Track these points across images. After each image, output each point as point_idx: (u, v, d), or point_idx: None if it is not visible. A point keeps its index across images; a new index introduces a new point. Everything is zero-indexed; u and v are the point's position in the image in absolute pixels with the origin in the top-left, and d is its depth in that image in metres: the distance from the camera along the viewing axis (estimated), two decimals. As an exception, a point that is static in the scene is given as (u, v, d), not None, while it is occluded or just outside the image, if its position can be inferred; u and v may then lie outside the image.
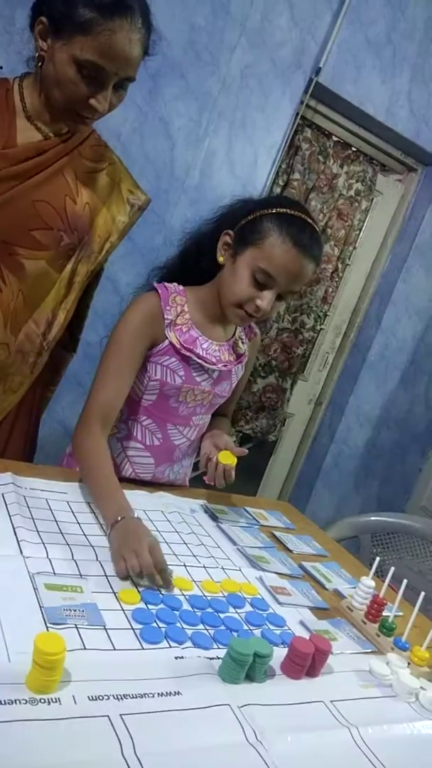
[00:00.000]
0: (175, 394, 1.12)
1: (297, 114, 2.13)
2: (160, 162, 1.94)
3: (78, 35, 0.93)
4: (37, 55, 0.99)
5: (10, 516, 0.85)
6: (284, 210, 1.04)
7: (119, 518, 0.88)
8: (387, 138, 2.41)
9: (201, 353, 1.11)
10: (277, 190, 2.28)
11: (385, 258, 2.68)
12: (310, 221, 1.06)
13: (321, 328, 2.64)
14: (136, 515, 0.91)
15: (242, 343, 1.20)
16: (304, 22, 2.02)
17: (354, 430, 2.75)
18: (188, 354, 1.09)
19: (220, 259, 1.08)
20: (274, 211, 1.03)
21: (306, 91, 2.10)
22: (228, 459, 1.08)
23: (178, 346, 1.08)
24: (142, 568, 0.80)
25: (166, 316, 1.08)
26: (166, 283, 1.11)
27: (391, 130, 2.33)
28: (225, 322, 1.15)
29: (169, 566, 0.86)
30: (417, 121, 2.34)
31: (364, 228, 2.58)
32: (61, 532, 0.86)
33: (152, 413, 1.14)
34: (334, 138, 2.38)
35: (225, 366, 1.15)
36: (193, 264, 1.13)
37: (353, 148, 2.43)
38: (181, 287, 1.12)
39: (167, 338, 1.08)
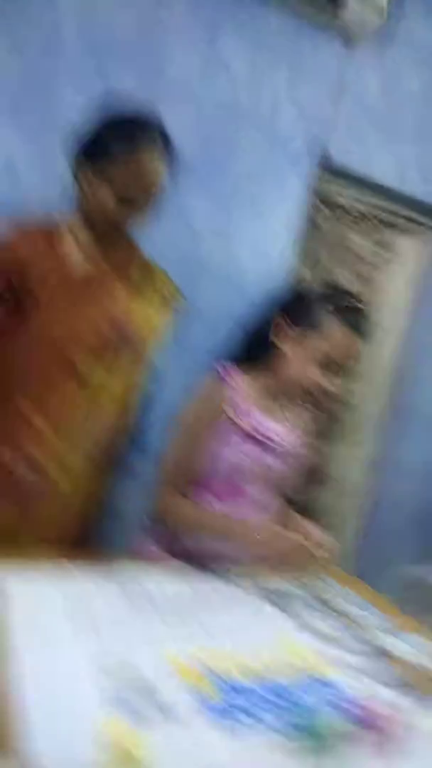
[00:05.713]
0: (243, 476, 1.16)
1: (313, 196, 2.25)
2: (185, 252, 2.06)
3: (114, 169, 1.07)
4: (79, 193, 1.14)
5: (71, 603, 0.87)
6: (339, 299, 1.17)
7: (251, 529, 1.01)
8: (404, 202, 2.49)
9: (265, 432, 1.16)
10: (301, 267, 2.37)
11: (414, 312, 2.70)
12: (363, 306, 1.18)
13: (364, 393, 2.65)
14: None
15: (303, 420, 1.25)
16: (308, 110, 2.17)
17: (417, 490, 2.69)
18: (253, 433, 1.14)
19: (280, 345, 1.15)
20: (330, 302, 1.16)
21: (318, 171, 2.22)
22: None
23: (242, 426, 1.14)
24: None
25: (230, 399, 1.15)
26: (229, 367, 1.18)
27: (405, 195, 2.41)
28: (286, 401, 1.20)
29: (239, 645, 0.86)
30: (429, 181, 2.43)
31: (391, 290, 2.63)
32: (122, 616, 0.89)
33: (220, 494, 1.18)
34: (354, 213, 2.48)
35: (289, 444, 1.20)
36: (253, 349, 1.22)
37: (372, 218, 2.53)
38: (243, 370, 1.19)
39: (231, 419, 1.13)
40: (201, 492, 1.17)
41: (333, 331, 1.12)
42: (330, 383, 1.13)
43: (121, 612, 0.89)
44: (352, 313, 1.14)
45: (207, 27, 1.95)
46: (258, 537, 1.03)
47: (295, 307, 1.17)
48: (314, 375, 1.12)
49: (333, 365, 1.12)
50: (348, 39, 2.16)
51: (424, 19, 2.29)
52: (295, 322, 1.15)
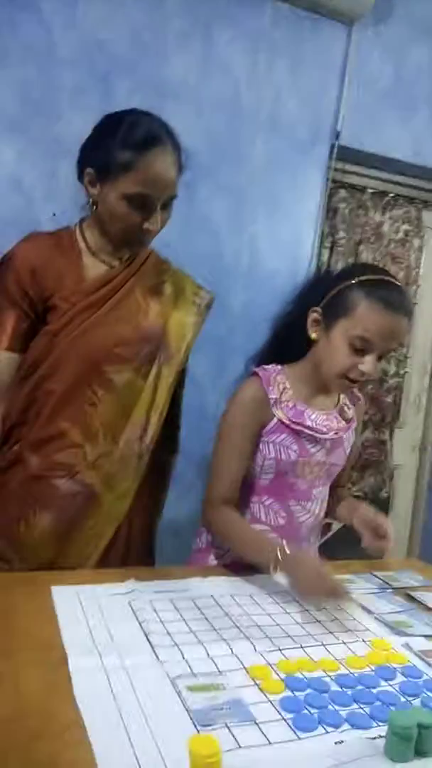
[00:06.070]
0: (292, 470, 1.14)
1: (327, 180, 2.21)
2: (210, 257, 2.05)
3: (122, 175, 1.05)
4: (90, 200, 1.13)
5: (140, 623, 0.86)
6: (365, 277, 1.08)
7: (278, 552, 0.97)
8: (421, 176, 2.43)
9: (311, 424, 1.13)
10: (326, 252, 2.33)
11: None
12: (392, 279, 1.10)
13: (405, 372, 2.58)
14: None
15: (348, 408, 1.21)
16: (313, 97, 2.13)
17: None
18: (298, 428, 1.12)
19: (313, 335, 1.12)
20: (355, 281, 1.08)
21: (330, 157, 2.19)
22: None
23: (287, 421, 1.12)
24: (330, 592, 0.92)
25: (270, 396, 1.12)
26: (264, 366, 1.15)
27: (422, 167, 2.35)
28: (327, 391, 1.18)
29: (308, 647, 0.83)
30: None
31: (422, 265, 2.56)
32: (192, 631, 0.86)
33: (273, 492, 1.15)
34: (369, 190, 2.43)
35: (336, 433, 1.16)
36: (286, 344, 1.18)
37: (391, 194, 2.47)
38: (278, 366, 1.16)
39: (275, 416, 1.11)
40: (251, 492, 1.15)
41: (364, 311, 1.04)
42: (369, 367, 1.05)
43: (194, 626, 0.86)
44: (384, 288, 1.05)
45: (202, 26, 1.94)
46: (297, 573, 0.96)
47: (321, 293, 1.12)
48: (350, 360, 1.05)
49: (371, 347, 1.04)
50: (346, 21, 2.12)
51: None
52: (324, 308, 1.10)
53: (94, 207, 1.12)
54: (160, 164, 1.06)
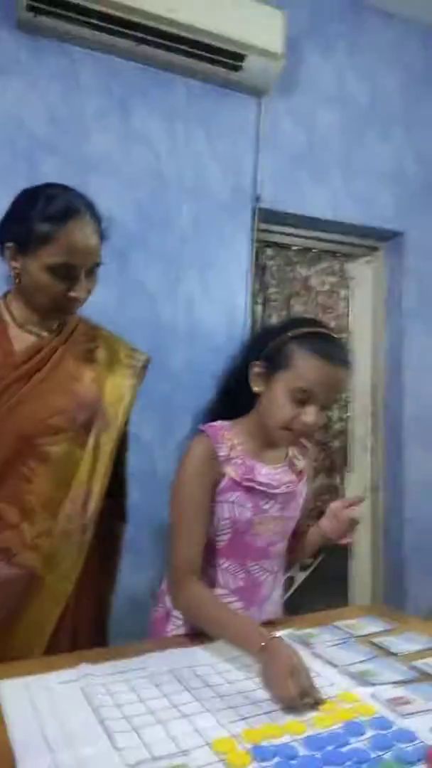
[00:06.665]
0: (247, 528, 1.12)
1: (253, 241, 2.30)
2: (147, 320, 2.08)
3: (42, 246, 1.06)
4: (13, 273, 1.12)
5: (94, 710, 0.81)
6: (302, 330, 1.11)
7: (262, 643, 0.89)
8: (341, 231, 2.56)
9: (262, 480, 1.12)
10: (259, 308, 2.40)
11: (383, 330, 2.73)
12: (328, 331, 1.13)
13: (348, 416, 2.63)
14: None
15: (297, 460, 1.21)
16: (232, 164, 2.25)
17: (423, 505, 2.62)
18: (250, 484, 1.11)
19: (256, 389, 1.13)
20: (292, 334, 1.10)
21: (254, 218, 2.28)
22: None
23: (238, 479, 1.10)
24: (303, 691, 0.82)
25: (219, 453, 1.11)
26: (211, 423, 1.15)
27: (340, 223, 2.48)
28: (275, 444, 1.17)
29: (273, 712, 0.80)
30: (360, 206, 2.50)
31: (350, 313, 2.67)
32: (151, 711, 0.81)
33: (230, 554, 1.13)
34: (294, 248, 2.55)
35: (288, 487, 1.15)
36: (233, 399, 1.18)
37: (314, 250, 2.59)
38: (226, 423, 1.16)
39: (226, 474, 1.10)
40: (208, 556, 1.11)
41: (303, 364, 1.06)
42: (311, 418, 1.06)
43: (153, 705, 0.81)
44: (322, 340, 1.08)
45: (118, 103, 2.04)
46: (269, 670, 0.87)
47: (260, 348, 1.14)
48: (292, 412, 1.06)
49: (312, 398, 1.05)
50: (255, 93, 2.27)
51: (321, 58, 2.42)
52: (264, 361, 1.11)
53: (18, 279, 1.12)
54: (80, 233, 1.08)
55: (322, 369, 1.06)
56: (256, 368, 1.12)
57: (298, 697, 0.82)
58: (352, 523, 1.19)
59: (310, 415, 1.06)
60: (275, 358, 1.10)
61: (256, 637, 0.91)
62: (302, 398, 1.06)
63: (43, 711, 0.81)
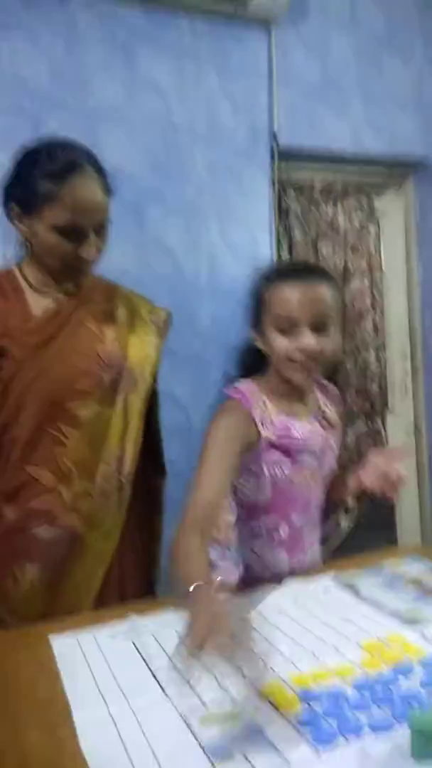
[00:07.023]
0: (288, 484, 1.12)
1: (273, 182, 2.21)
2: (170, 276, 2.04)
3: (46, 206, 1.03)
4: (22, 237, 1.10)
5: (145, 661, 0.82)
6: (267, 272, 1.14)
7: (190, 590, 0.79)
8: (365, 163, 2.45)
9: (297, 436, 1.11)
10: (285, 254, 2.33)
11: (417, 267, 2.62)
12: (290, 258, 1.13)
13: (385, 358, 2.57)
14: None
15: (326, 408, 1.21)
16: (245, 102, 2.15)
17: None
18: (287, 441, 1.10)
19: (259, 345, 1.13)
20: (259, 282, 1.13)
21: (272, 158, 2.19)
22: None
23: (274, 438, 1.10)
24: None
25: (254, 416, 1.09)
26: (236, 385, 1.13)
27: (363, 156, 2.36)
28: (301, 395, 1.16)
29: (322, 655, 0.79)
30: (382, 136, 2.37)
31: (382, 251, 2.57)
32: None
33: (272, 510, 1.13)
34: (317, 186, 2.44)
35: (323, 438, 1.16)
36: (251, 360, 1.17)
37: (338, 187, 2.48)
38: (250, 382, 1.14)
39: (262, 435, 1.09)
40: (251, 514, 1.13)
41: (273, 294, 1.07)
42: (306, 340, 1.04)
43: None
44: (285, 268, 1.15)
45: (123, 50, 1.95)
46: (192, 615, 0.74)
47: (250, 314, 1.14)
48: (284, 342, 1.06)
49: (296, 321, 1.04)
50: (264, 24, 2.14)
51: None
52: (252, 321, 1.12)
53: (29, 244, 1.10)
54: (84, 189, 1.04)
55: (291, 290, 1.06)
56: (252, 332, 1.13)
57: (205, 638, 0.68)
58: (399, 481, 1.14)
59: (303, 336, 1.05)
60: (257, 311, 1.11)
61: (188, 587, 0.81)
62: (288, 326, 1.06)
63: (95, 664, 0.83)
